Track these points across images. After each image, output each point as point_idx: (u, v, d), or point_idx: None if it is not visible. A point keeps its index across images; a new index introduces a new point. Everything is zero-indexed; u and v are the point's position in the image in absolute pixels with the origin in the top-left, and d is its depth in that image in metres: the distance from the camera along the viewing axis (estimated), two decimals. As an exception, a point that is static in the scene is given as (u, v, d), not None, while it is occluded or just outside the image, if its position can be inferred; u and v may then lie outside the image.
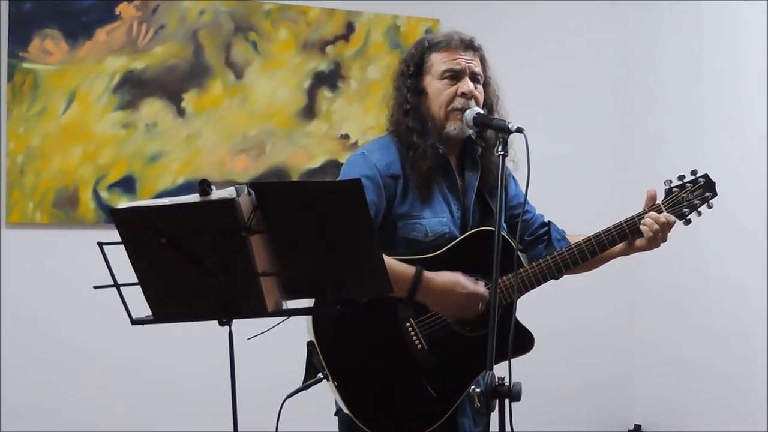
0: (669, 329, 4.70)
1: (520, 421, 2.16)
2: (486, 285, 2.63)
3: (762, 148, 4.18)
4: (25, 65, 4.01)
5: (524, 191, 2.40)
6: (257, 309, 2.11)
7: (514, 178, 2.86)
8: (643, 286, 4.84)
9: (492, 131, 2.64)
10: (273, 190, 2.12)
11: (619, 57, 4.95)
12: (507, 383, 2.09)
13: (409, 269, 2.58)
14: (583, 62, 4.89)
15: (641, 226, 2.66)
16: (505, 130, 2.41)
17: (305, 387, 2.61)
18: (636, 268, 4.60)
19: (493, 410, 2.11)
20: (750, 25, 4.28)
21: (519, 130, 2.39)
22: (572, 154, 4.81)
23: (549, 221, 2.89)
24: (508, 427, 2.11)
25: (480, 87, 2.72)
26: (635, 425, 4.85)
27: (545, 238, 2.85)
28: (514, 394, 2.10)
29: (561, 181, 4.60)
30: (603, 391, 4.88)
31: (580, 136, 4.86)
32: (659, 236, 2.66)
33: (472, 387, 2.18)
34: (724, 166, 4.19)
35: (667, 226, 2.67)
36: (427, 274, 2.59)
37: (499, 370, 2.13)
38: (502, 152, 2.36)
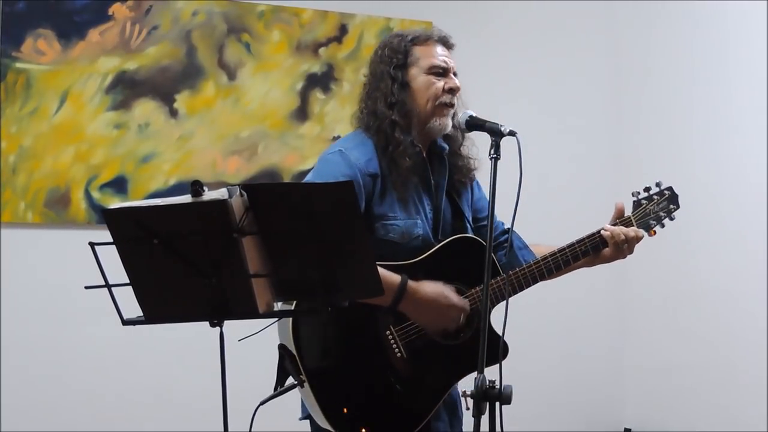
0: (660, 333, 4.71)
1: (510, 425, 2.16)
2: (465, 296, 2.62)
3: (756, 150, 4.18)
4: (18, 65, 4.00)
5: (516, 194, 2.38)
6: (249, 310, 2.10)
7: (477, 182, 2.82)
8: (633, 289, 4.85)
9: (460, 131, 2.66)
10: (265, 192, 2.12)
11: (611, 58, 4.95)
12: (498, 386, 2.09)
13: (395, 278, 2.52)
14: (576, 64, 4.89)
15: (603, 232, 2.67)
16: (497, 134, 2.42)
17: (279, 393, 2.51)
18: (626, 271, 4.60)
19: (483, 413, 2.11)
20: (747, 23, 4.28)
21: (512, 133, 2.41)
22: (563, 156, 4.80)
23: (509, 228, 2.86)
24: (498, 430, 2.11)
25: None
26: (626, 429, 4.85)
27: (506, 245, 2.77)
28: (505, 397, 2.10)
29: (550, 184, 4.60)
30: (594, 395, 4.88)
31: (571, 138, 4.85)
32: (625, 248, 2.67)
33: (464, 390, 2.18)
34: (717, 168, 4.23)
35: (635, 240, 2.68)
36: (412, 284, 2.54)
37: (491, 373, 2.13)
38: (495, 155, 2.36)
